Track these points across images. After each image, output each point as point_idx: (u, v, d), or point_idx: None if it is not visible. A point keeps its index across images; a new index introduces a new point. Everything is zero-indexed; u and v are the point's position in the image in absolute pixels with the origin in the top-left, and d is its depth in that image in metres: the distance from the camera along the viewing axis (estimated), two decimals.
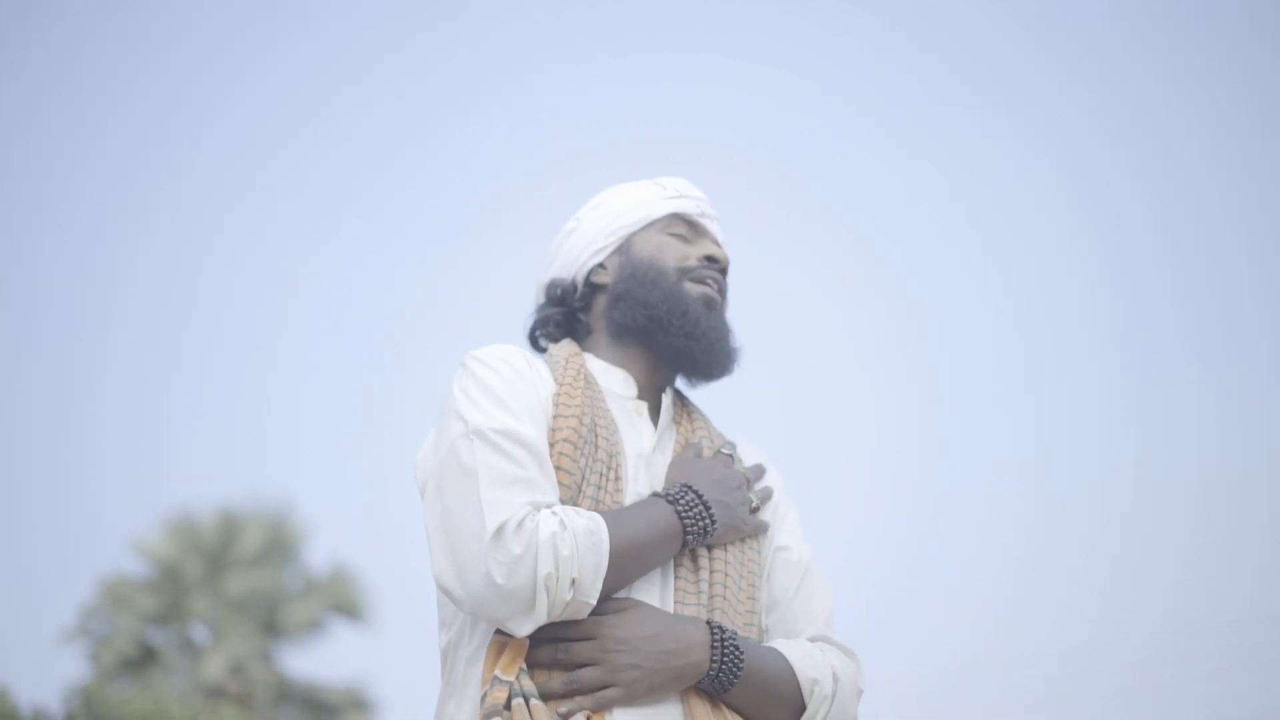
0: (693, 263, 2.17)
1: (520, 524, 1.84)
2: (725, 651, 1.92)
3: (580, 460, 1.98)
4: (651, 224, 2.20)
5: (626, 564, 1.90)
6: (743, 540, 2.08)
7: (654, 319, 2.12)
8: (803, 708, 1.98)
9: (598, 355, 2.17)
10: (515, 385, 1.99)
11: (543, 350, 2.23)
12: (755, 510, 2.09)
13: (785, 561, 2.12)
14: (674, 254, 2.17)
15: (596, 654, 1.88)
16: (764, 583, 2.11)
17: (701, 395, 2.26)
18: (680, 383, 2.24)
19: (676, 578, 2.00)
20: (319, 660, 18.75)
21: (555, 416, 1.99)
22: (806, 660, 2.00)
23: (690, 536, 1.96)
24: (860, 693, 2.05)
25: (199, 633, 17.91)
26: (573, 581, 1.84)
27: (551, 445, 1.96)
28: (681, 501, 1.97)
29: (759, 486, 2.14)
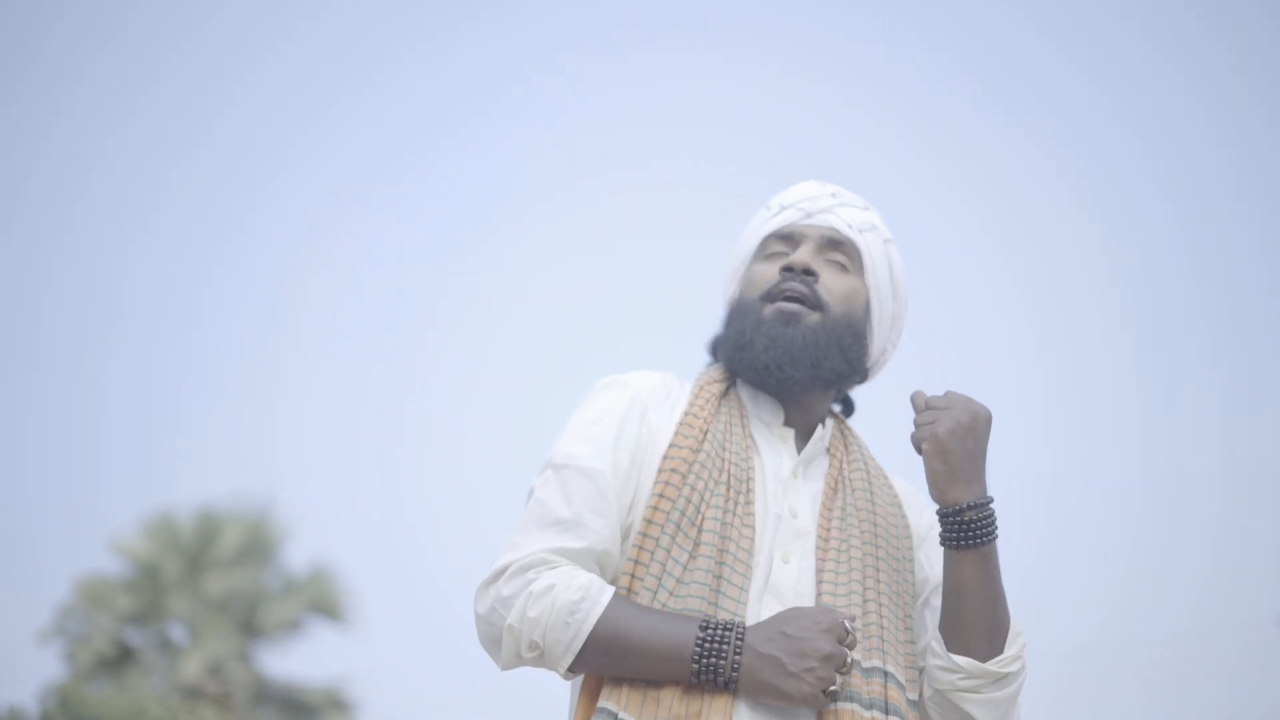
0: (773, 281, 2.09)
1: (524, 570, 1.88)
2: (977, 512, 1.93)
3: (693, 485, 1.95)
4: (754, 254, 2.16)
5: (615, 656, 1.83)
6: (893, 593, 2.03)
7: (729, 359, 2.10)
8: (1001, 646, 1.95)
9: (748, 381, 2.12)
10: (622, 416, 2.00)
11: None
12: (833, 693, 1.84)
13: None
14: (761, 281, 2.11)
15: None
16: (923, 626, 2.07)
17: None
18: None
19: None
20: (298, 660, 18.69)
21: (672, 445, 1.98)
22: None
23: (697, 669, 1.82)
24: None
25: (177, 633, 17.84)
26: (533, 644, 1.85)
27: (660, 471, 1.97)
28: (708, 632, 1.83)
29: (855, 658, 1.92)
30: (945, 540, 1.94)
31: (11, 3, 21.35)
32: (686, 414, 2.03)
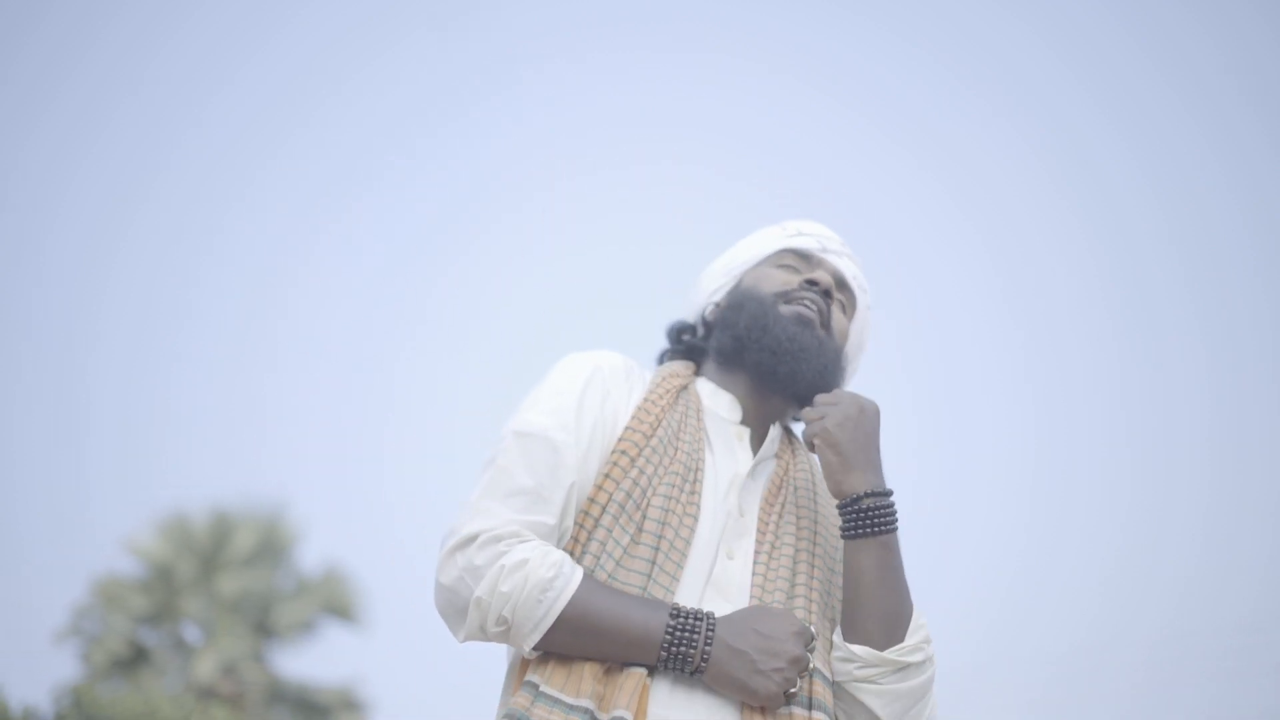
0: (792, 287, 2.17)
1: (496, 540, 1.87)
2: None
3: (641, 468, 1.97)
4: (763, 260, 2.23)
5: (582, 636, 1.84)
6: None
7: (737, 338, 2.12)
8: (901, 635, 1.97)
9: (709, 378, 2.19)
10: (585, 391, 2.02)
11: None
12: (791, 695, 1.88)
13: None
14: (776, 282, 2.18)
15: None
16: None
17: None
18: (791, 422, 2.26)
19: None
20: (311, 661, 18.76)
21: (627, 428, 2.01)
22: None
23: (666, 656, 1.84)
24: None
25: (191, 633, 17.90)
26: (501, 619, 1.85)
27: (611, 452, 1.99)
28: (680, 620, 1.86)
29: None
30: (844, 531, 1.97)
31: None
32: (645, 400, 2.06)
